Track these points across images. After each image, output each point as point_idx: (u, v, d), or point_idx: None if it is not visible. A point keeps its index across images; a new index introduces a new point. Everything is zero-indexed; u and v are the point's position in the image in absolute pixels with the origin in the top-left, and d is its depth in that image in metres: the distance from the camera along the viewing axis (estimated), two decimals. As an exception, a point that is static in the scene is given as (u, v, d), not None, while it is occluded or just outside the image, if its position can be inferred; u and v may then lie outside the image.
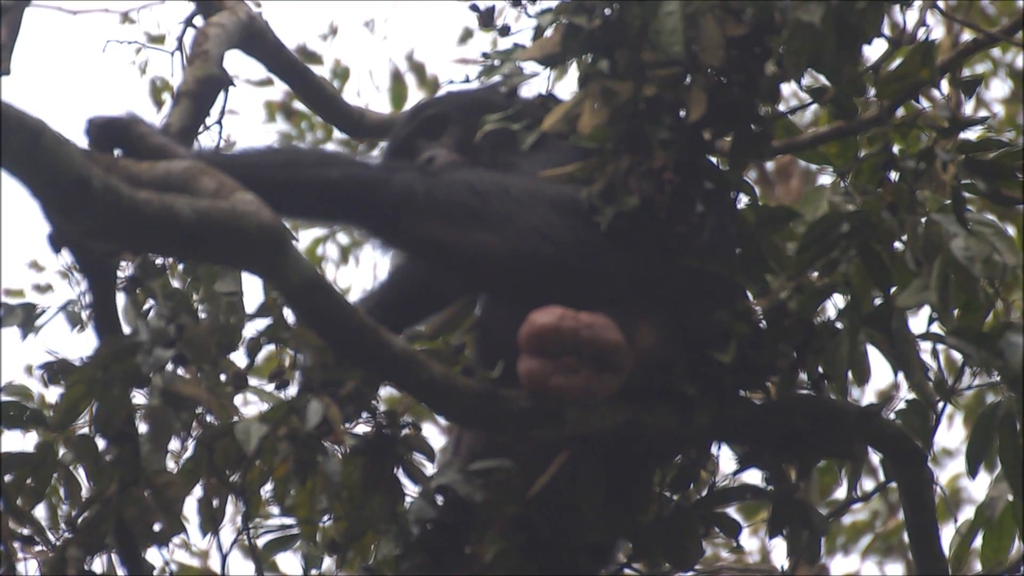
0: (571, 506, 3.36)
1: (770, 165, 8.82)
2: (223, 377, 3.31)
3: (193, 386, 3.25)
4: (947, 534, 3.93)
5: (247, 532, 3.46)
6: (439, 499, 3.38)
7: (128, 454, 3.27)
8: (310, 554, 3.48)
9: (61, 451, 3.36)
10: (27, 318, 3.51)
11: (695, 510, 3.47)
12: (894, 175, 3.50)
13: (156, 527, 3.29)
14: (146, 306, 3.47)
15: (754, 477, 3.53)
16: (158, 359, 3.22)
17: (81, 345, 3.55)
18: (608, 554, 3.53)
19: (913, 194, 3.46)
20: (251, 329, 3.38)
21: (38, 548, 3.34)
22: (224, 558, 3.43)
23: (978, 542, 3.98)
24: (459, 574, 3.41)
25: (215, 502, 3.33)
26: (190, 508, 3.35)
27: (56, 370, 3.26)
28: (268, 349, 3.39)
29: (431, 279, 3.71)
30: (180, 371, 3.30)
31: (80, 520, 3.32)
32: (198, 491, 3.36)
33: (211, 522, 3.33)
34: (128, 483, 3.27)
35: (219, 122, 4.26)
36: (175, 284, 3.48)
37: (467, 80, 3.69)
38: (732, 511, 3.52)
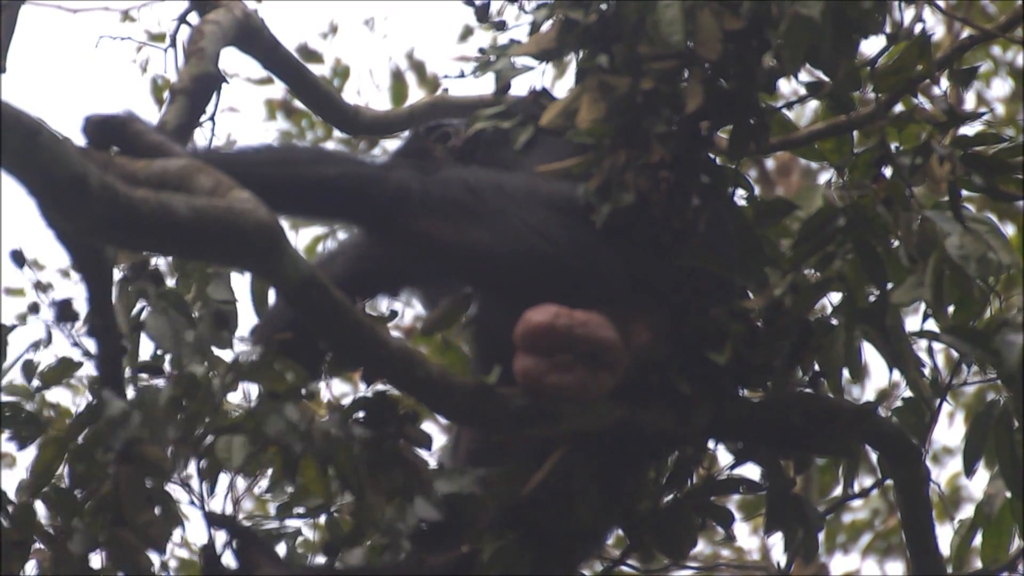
0: (566, 503, 3.36)
1: (770, 163, 8.81)
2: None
3: (157, 450, 3.14)
4: (946, 533, 3.94)
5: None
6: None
7: (107, 502, 3.16)
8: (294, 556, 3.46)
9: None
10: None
11: (688, 500, 3.47)
12: (889, 170, 3.50)
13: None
14: (138, 307, 3.47)
15: (751, 472, 3.54)
16: (126, 433, 3.12)
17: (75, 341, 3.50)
18: (598, 539, 3.52)
19: (909, 190, 3.46)
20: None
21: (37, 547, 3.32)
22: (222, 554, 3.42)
23: (978, 540, 3.98)
24: (457, 573, 3.42)
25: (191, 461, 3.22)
26: (187, 508, 3.33)
27: (25, 436, 3.21)
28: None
29: (389, 259, 3.64)
30: (159, 380, 3.26)
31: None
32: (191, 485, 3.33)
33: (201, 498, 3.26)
34: (112, 524, 3.18)
35: (212, 119, 4.26)
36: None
37: (463, 76, 3.68)
38: (731, 507, 3.53)
